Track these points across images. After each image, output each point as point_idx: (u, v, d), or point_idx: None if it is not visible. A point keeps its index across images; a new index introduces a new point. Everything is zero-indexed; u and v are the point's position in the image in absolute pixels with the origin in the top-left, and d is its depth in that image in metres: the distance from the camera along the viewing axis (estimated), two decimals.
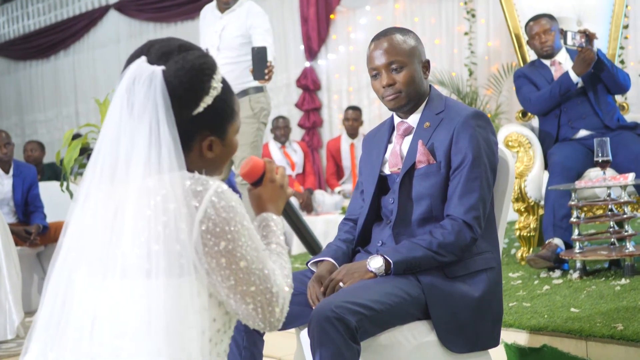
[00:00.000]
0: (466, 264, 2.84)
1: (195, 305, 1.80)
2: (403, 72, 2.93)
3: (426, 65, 3.01)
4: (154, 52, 1.89)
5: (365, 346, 2.62)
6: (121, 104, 1.83)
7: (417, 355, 2.72)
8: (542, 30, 5.34)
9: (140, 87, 1.81)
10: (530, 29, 5.42)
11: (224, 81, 1.95)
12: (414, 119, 3.00)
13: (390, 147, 3.05)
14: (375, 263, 2.77)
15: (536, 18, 5.39)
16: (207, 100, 1.90)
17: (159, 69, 1.84)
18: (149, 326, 1.75)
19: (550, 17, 5.37)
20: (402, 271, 2.76)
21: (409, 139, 2.99)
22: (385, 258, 2.77)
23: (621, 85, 5.21)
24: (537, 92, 5.31)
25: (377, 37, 2.99)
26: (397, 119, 3.06)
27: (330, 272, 2.87)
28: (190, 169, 1.89)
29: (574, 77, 5.11)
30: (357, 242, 3.06)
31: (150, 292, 1.76)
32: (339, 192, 8.92)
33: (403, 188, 2.92)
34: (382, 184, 3.04)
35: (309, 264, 3.01)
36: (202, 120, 1.90)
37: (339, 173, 9.24)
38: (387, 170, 3.02)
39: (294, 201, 8.55)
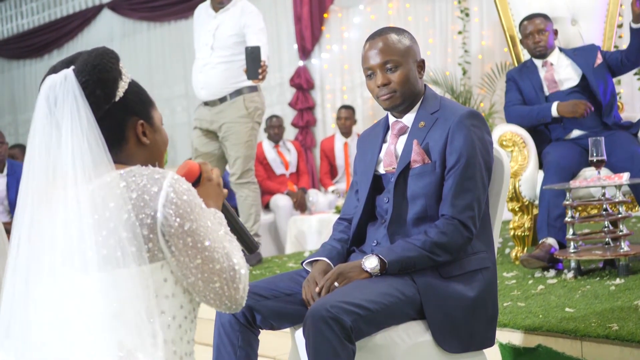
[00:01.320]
0: (461, 263, 2.84)
1: (165, 290, 1.89)
2: (398, 72, 2.92)
3: (421, 65, 3.01)
4: (59, 66, 1.99)
5: (360, 346, 2.62)
6: (43, 113, 1.91)
7: (412, 355, 2.71)
8: (536, 30, 5.33)
9: (58, 90, 1.90)
10: (524, 28, 5.41)
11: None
12: (408, 119, 3.00)
13: (384, 146, 3.04)
14: (370, 263, 2.77)
15: (531, 17, 5.38)
16: (124, 85, 2.00)
17: (69, 70, 1.94)
18: (119, 315, 1.81)
19: (545, 17, 5.36)
20: (397, 271, 2.76)
21: (403, 138, 2.99)
22: (380, 258, 2.77)
23: None
24: (517, 106, 5.33)
25: (372, 37, 2.99)
26: (391, 119, 3.06)
27: (325, 272, 2.87)
28: (132, 161, 2.00)
29: (554, 112, 5.14)
30: (351, 242, 3.05)
31: (121, 282, 1.82)
32: (332, 192, 8.92)
33: (398, 188, 2.92)
34: (377, 183, 3.03)
35: (303, 264, 3.00)
36: (126, 105, 2.01)
37: (332, 172, 9.25)
38: (381, 170, 3.02)
39: (288, 200, 8.55)
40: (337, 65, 10.20)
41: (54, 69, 1.98)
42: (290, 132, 10.23)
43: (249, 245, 2.31)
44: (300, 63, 10.31)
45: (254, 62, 5.58)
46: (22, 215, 1.90)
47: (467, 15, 8.92)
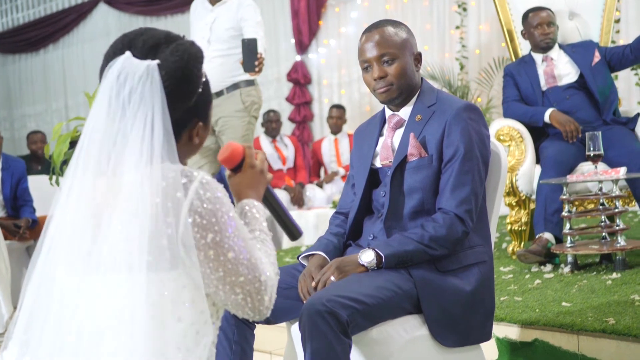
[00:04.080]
0: (458, 257, 2.83)
1: (184, 297, 1.79)
2: (394, 65, 2.91)
3: (418, 58, 2.99)
4: (139, 46, 1.86)
5: (356, 340, 2.61)
6: (109, 99, 1.80)
7: (408, 350, 2.70)
8: (546, 22, 5.31)
9: (137, 83, 1.78)
10: (532, 19, 5.35)
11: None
12: (405, 112, 2.98)
13: (381, 140, 3.03)
14: (367, 257, 2.75)
15: (539, 9, 5.35)
16: (199, 91, 1.90)
17: (154, 64, 1.81)
18: (131, 322, 1.74)
19: (552, 12, 5.35)
20: (393, 265, 2.74)
21: (400, 131, 2.97)
22: (376, 252, 2.75)
23: None
24: (513, 104, 5.32)
25: (369, 30, 2.97)
26: (388, 112, 3.04)
27: (322, 266, 2.86)
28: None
29: (547, 118, 5.12)
30: (348, 236, 3.04)
31: (135, 287, 1.75)
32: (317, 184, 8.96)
33: (394, 181, 2.90)
34: (374, 177, 3.02)
35: (299, 258, 2.99)
36: (195, 109, 1.91)
37: (319, 171, 9.28)
38: (378, 164, 3.00)
39: (285, 195, 8.54)
40: (334, 60, 10.19)
41: (130, 45, 1.85)
42: (287, 127, 10.22)
43: (293, 232, 2.22)
44: (298, 58, 10.30)
45: (250, 55, 5.54)
46: (66, 202, 1.81)
47: (464, 10, 8.92)
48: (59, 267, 1.81)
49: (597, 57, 5.24)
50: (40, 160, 9.47)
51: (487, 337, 2.87)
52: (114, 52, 1.87)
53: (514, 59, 5.77)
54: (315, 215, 7.70)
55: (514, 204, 5.16)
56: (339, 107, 9.19)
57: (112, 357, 1.74)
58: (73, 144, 6.45)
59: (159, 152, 1.78)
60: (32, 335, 1.82)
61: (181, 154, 1.92)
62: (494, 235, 3.04)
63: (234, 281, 1.81)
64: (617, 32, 7.59)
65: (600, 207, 4.57)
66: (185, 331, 1.80)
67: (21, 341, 1.84)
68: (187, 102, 1.88)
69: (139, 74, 1.79)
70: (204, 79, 1.93)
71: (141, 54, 1.84)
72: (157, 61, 1.82)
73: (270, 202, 2.16)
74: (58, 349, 1.77)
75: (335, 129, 9.09)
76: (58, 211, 1.82)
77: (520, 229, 5.16)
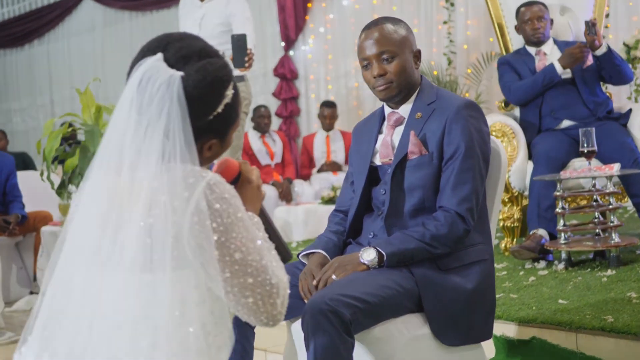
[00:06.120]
0: (459, 255, 2.82)
1: (194, 297, 1.78)
2: (394, 62, 2.89)
3: (417, 55, 2.99)
4: (173, 52, 1.85)
5: (358, 339, 2.60)
6: (130, 102, 1.80)
7: (410, 348, 2.69)
8: (536, 17, 5.31)
9: (156, 90, 1.78)
10: (523, 14, 5.36)
11: (235, 87, 1.93)
12: (405, 110, 2.97)
13: (380, 137, 3.01)
14: (368, 255, 2.74)
15: (530, 4, 5.36)
16: (219, 109, 1.88)
17: (177, 75, 1.80)
18: (145, 320, 1.74)
19: (544, 5, 5.35)
20: (395, 263, 2.73)
21: (400, 129, 2.96)
22: (378, 250, 2.74)
23: (626, 78, 5.23)
24: (518, 82, 5.29)
25: (368, 27, 2.96)
26: (387, 110, 3.03)
27: (322, 264, 2.84)
28: None
29: (559, 68, 5.10)
30: (348, 234, 3.02)
31: (147, 286, 1.75)
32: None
33: (395, 179, 2.89)
34: (373, 175, 3.00)
35: (300, 256, 2.98)
36: (210, 126, 1.89)
37: (310, 165, 9.25)
38: (377, 161, 2.99)
39: (273, 191, 8.52)
40: (321, 55, 10.18)
41: (166, 48, 1.84)
42: (274, 122, 10.20)
43: (283, 255, 2.14)
44: (284, 53, 10.26)
45: (240, 50, 5.52)
46: (87, 201, 1.82)
47: (452, 4, 8.92)
48: (78, 265, 1.81)
49: (590, 61, 5.21)
50: None
51: (488, 335, 2.86)
52: (148, 49, 1.86)
53: (504, 53, 5.76)
54: (304, 211, 7.67)
55: (507, 200, 5.16)
56: (331, 106, 9.13)
57: (131, 356, 1.74)
58: (64, 140, 6.43)
59: (177, 157, 1.78)
60: (52, 333, 1.81)
61: None
62: (494, 233, 3.03)
63: (242, 283, 1.77)
64: (607, 26, 7.60)
65: (594, 203, 4.57)
66: (197, 333, 1.78)
67: (41, 337, 1.82)
68: (200, 121, 1.85)
69: (160, 82, 1.79)
70: (228, 101, 1.90)
71: (172, 61, 1.83)
72: (180, 73, 1.81)
73: (263, 221, 2.12)
74: (77, 347, 1.77)
75: (328, 127, 9.06)
76: (80, 210, 1.83)
77: (512, 225, 5.15)
